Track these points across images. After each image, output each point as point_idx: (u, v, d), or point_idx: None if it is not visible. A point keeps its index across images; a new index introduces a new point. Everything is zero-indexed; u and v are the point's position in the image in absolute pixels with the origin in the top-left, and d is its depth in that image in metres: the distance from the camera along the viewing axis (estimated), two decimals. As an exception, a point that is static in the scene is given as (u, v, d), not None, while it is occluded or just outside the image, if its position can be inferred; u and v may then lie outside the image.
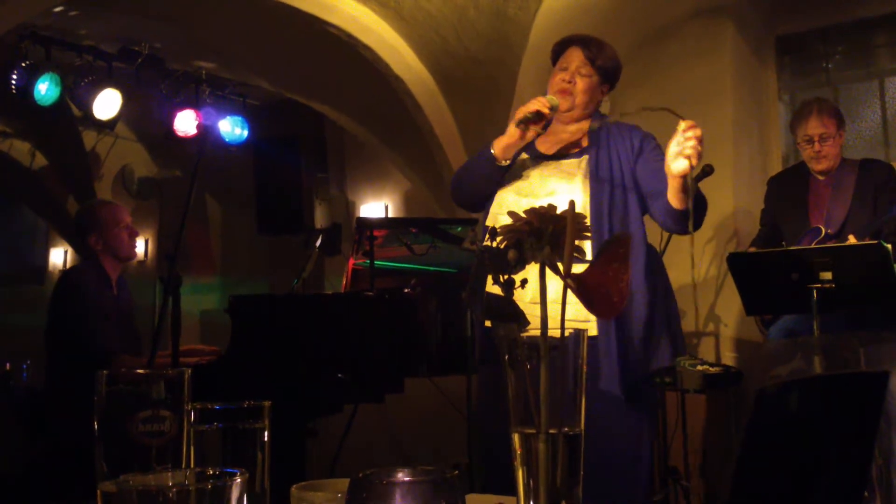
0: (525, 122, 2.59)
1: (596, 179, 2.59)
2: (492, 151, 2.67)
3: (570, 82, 2.73)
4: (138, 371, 0.98)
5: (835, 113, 3.74)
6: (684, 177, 2.35)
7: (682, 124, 2.28)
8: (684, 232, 2.54)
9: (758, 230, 4.11)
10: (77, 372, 3.50)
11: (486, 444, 2.80)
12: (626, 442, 2.50)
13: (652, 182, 2.55)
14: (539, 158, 2.71)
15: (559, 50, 2.83)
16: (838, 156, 3.77)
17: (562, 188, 2.59)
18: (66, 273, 4.17)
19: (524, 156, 2.74)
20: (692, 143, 2.26)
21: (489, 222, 2.67)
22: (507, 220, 1.03)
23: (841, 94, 5.02)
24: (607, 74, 2.78)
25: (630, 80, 5.24)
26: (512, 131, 2.63)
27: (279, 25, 4.87)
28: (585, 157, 2.64)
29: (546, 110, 2.60)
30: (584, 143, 2.70)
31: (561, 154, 2.70)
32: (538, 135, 2.67)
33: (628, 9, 4.85)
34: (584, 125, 2.74)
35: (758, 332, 4.25)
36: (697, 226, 2.30)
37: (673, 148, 2.31)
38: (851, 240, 3.29)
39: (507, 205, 2.63)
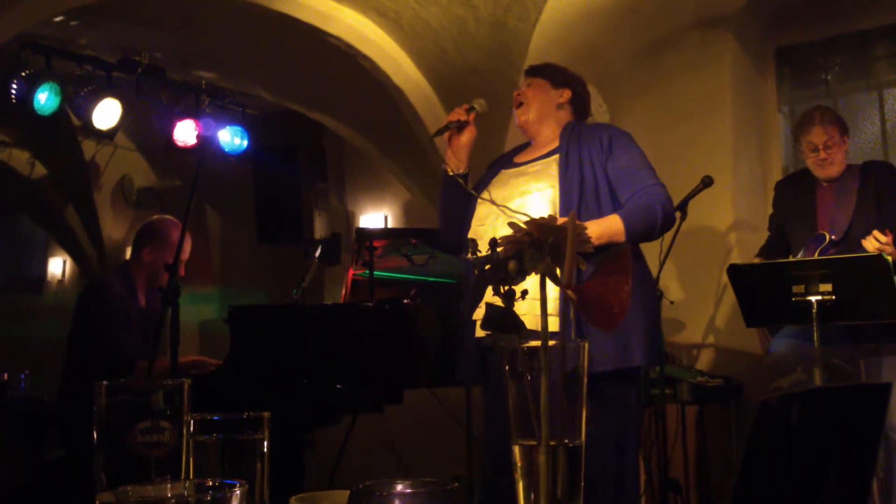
0: (440, 133, 2.75)
1: (566, 176, 2.65)
2: (443, 167, 2.81)
3: (518, 95, 2.89)
4: (137, 382, 0.98)
5: (836, 120, 3.76)
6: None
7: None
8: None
9: (766, 237, 4.10)
10: (93, 380, 3.50)
11: (489, 462, 2.79)
12: (600, 451, 2.40)
13: (617, 184, 2.67)
14: (512, 166, 2.82)
15: None
16: (843, 161, 3.76)
17: (533, 187, 2.66)
18: (92, 282, 4.16)
19: (504, 171, 2.83)
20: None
21: (471, 235, 2.72)
22: (486, 231, 1.05)
23: (840, 105, 5.02)
24: (553, 77, 2.90)
25: (630, 92, 5.28)
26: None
27: (279, 36, 4.87)
28: (556, 156, 2.72)
29: (464, 116, 2.76)
30: (555, 144, 2.79)
31: (533, 160, 2.80)
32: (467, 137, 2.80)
33: (628, 20, 4.86)
34: (557, 132, 2.83)
35: (758, 343, 4.24)
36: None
37: None
38: (865, 243, 3.26)
39: (484, 214, 2.70)
